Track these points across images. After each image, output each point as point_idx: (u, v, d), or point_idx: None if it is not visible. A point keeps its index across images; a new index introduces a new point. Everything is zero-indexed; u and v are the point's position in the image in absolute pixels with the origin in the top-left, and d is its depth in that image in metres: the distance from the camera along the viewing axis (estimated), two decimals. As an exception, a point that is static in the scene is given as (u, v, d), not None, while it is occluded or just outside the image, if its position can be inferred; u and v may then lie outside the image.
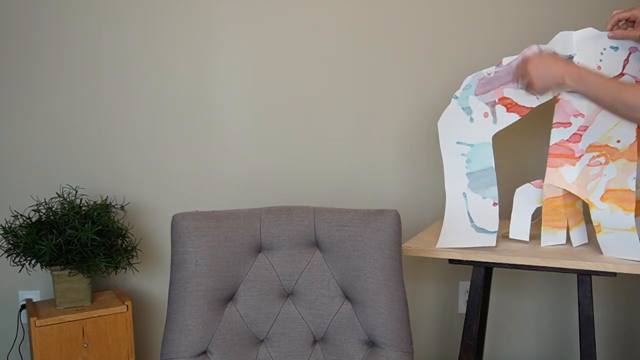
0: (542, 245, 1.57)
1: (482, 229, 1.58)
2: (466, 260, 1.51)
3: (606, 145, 1.50)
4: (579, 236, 1.59)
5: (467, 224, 1.60)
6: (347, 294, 1.38)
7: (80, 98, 1.94)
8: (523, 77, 1.43)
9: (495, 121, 1.59)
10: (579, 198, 1.58)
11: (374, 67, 2.07)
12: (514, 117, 1.58)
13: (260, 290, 1.37)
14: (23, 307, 1.92)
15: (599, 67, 1.51)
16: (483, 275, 1.55)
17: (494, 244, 1.54)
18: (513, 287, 2.22)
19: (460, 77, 2.09)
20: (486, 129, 1.60)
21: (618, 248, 1.44)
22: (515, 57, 1.57)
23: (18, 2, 1.86)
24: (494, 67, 1.59)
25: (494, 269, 2.17)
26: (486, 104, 1.59)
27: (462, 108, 1.61)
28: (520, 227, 1.61)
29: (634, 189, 1.45)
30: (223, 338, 1.32)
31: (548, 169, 1.56)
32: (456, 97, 1.62)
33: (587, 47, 1.52)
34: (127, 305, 1.80)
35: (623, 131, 1.48)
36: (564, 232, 1.58)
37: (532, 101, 1.56)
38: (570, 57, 1.53)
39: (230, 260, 1.35)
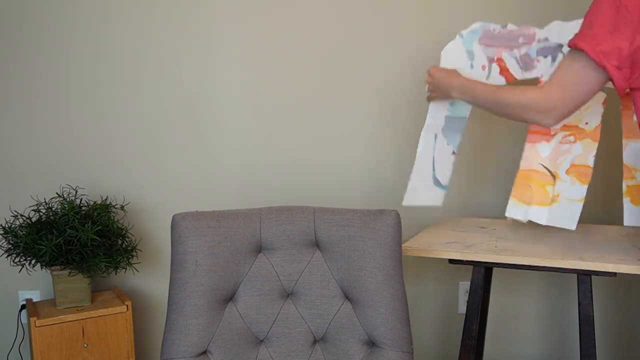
0: (506, 214, 1.69)
1: (437, 180, 1.75)
2: (466, 260, 1.51)
3: (576, 126, 1.63)
4: (538, 215, 1.66)
5: (430, 172, 1.75)
6: (347, 294, 1.38)
7: (80, 98, 1.94)
8: (428, 84, 1.64)
9: (487, 77, 1.67)
10: (550, 182, 1.67)
11: (375, 67, 2.07)
12: (501, 80, 1.67)
13: (260, 290, 1.37)
14: (23, 307, 1.92)
15: None
16: (483, 275, 1.55)
17: (439, 204, 1.78)
18: (513, 287, 2.22)
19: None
20: (479, 80, 1.67)
21: (559, 217, 1.62)
22: (517, 27, 1.65)
23: (21, 4, 1.86)
24: (500, 26, 1.66)
25: (494, 269, 2.17)
26: (487, 57, 1.66)
27: (466, 50, 1.67)
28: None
29: (591, 165, 1.61)
30: (223, 338, 1.32)
31: (526, 144, 1.69)
32: (462, 36, 1.67)
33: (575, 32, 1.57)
34: (127, 305, 1.80)
35: (591, 115, 1.61)
36: (526, 208, 1.67)
37: (518, 73, 1.66)
38: (560, 46, 1.60)
39: (230, 260, 1.35)
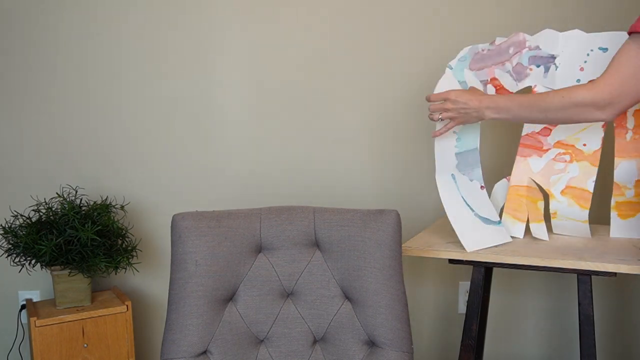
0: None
1: (486, 219, 1.60)
2: (466, 260, 1.51)
3: (573, 146, 1.59)
4: (539, 231, 1.63)
5: (470, 215, 1.60)
6: (347, 294, 1.38)
7: (80, 98, 1.94)
8: (444, 112, 1.50)
9: None
10: (540, 198, 1.64)
11: (376, 67, 2.07)
12: None
13: (260, 290, 1.37)
14: (23, 307, 1.92)
15: (582, 69, 1.54)
16: (483, 275, 1.55)
17: (509, 239, 1.58)
18: (513, 287, 2.22)
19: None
20: None
21: (570, 229, 1.62)
22: (506, 38, 1.59)
23: (18, 3, 1.86)
24: (487, 44, 1.61)
25: (494, 269, 2.17)
26: (480, 81, 1.61)
27: (458, 81, 1.61)
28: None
29: (591, 191, 1.56)
30: (223, 338, 1.32)
31: (517, 158, 1.64)
32: (451, 68, 1.62)
33: (572, 48, 1.54)
34: (127, 305, 1.80)
35: (590, 137, 1.56)
36: (523, 226, 1.64)
37: (513, 86, 1.60)
38: (553, 57, 1.55)
39: (230, 260, 1.35)
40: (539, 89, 1.59)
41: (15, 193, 1.92)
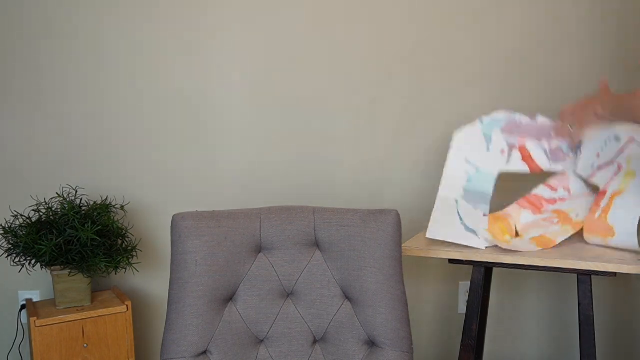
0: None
1: (472, 230, 1.58)
2: (466, 260, 1.51)
3: (566, 214, 1.64)
4: (521, 244, 1.61)
5: (457, 221, 1.61)
6: (347, 294, 1.38)
7: (80, 98, 1.94)
8: (571, 133, 1.57)
9: (508, 162, 1.66)
10: (512, 234, 1.66)
11: (376, 67, 2.07)
12: (524, 168, 1.67)
13: (260, 290, 1.37)
14: (23, 307, 1.92)
15: (598, 155, 1.62)
16: (483, 275, 1.55)
17: (482, 247, 1.54)
18: (513, 287, 2.22)
19: (464, 80, 2.09)
20: (497, 164, 1.67)
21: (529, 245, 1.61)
22: (547, 119, 1.65)
23: (21, 4, 1.86)
24: (528, 117, 1.66)
25: (494, 269, 2.17)
26: (508, 144, 1.66)
27: (484, 134, 1.66)
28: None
29: (557, 242, 1.55)
30: (223, 338, 1.32)
31: (514, 204, 1.69)
32: (482, 122, 1.67)
33: (594, 135, 1.63)
34: (127, 305, 1.80)
35: (582, 209, 1.62)
36: (507, 236, 1.65)
37: (545, 164, 1.67)
38: (579, 146, 1.64)
39: (230, 260, 1.35)
40: (570, 175, 1.67)
41: (15, 193, 1.92)
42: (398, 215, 1.37)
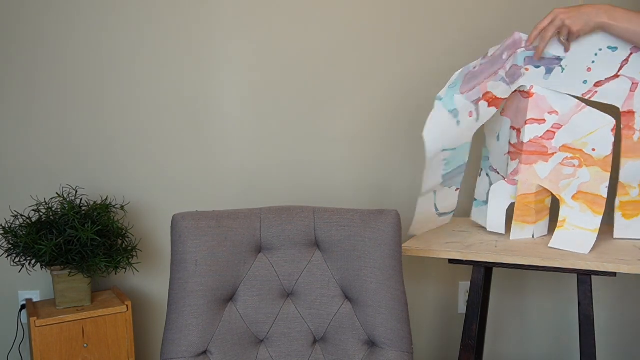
0: (511, 238, 1.65)
1: (443, 213, 1.74)
2: (466, 260, 1.51)
3: (581, 150, 1.54)
4: (540, 229, 1.67)
5: (433, 213, 1.71)
6: (347, 294, 1.38)
7: (80, 98, 1.94)
8: (560, 30, 1.45)
9: (477, 118, 1.55)
10: (549, 195, 1.63)
11: (376, 67, 2.07)
12: (492, 111, 1.57)
13: (260, 290, 1.37)
14: (23, 307, 1.92)
15: (589, 69, 1.51)
16: (483, 275, 1.55)
17: (448, 221, 1.79)
18: (513, 287, 2.22)
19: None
20: (470, 129, 1.56)
21: (568, 242, 1.52)
22: (499, 46, 1.54)
23: (20, 4, 1.86)
24: (480, 59, 1.55)
25: (494, 269, 2.17)
26: (472, 102, 1.52)
27: (449, 111, 1.50)
28: (496, 222, 1.69)
29: (605, 196, 1.52)
30: (223, 338, 1.32)
31: (522, 166, 1.59)
32: (440, 99, 1.50)
33: (580, 49, 1.51)
34: (127, 305, 1.80)
35: (600, 142, 1.51)
36: (532, 227, 1.65)
37: (506, 92, 1.55)
38: (559, 59, 1.52)
39: (230, 260, 1.35)
40: (538, 90, 1.55)
41: (15, 193, 1.92)
42: (398, 215, 1.37)
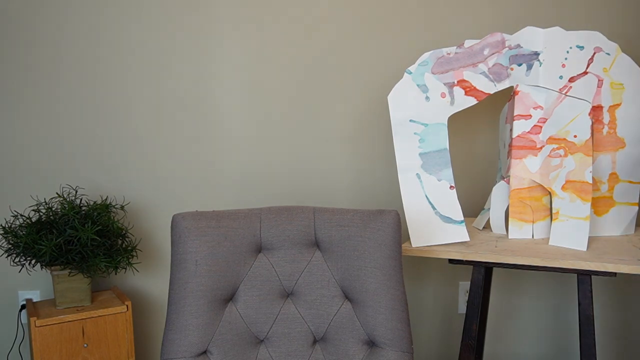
0: (509, 237, 1.66)
1: (447, 217, 1.60)
2: (466, 260, 1.51)
3: (564, 139, 1.59)
4: (541, 230, 1.67)
5: (430, 212, 1.61)
6: (347, 294, 1.38)
7: (80, 98, 1.94)
8: None
9: (452, 102, 1.61)
10: (546, 193, 1.65)
11: (376, 67, 2.07)
12: (471, 101, 1.62)
13: (260, 290, 1.37)
14: (23, 307, 1.92)
15: (564, 65, 1.59)
16: (483, 275, 1.55)
17: (467, 238, 1.58)
18: (513, 287, 2.22)
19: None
20: (443, 110, 1.61)
21: (566, 237, 1.56)
22: (478, 40, 1.61)
23: (20, 4, 1.86)
24: (455, 47, 1.62)
25: (494, 269, 2.17)
26: (444, 84, 1.60)
27: (417, 85, 1.59)
28: (497, 222, 1.71)
29: (590, 181, 1.56)
30: (223, 338, 1.32)
31: (513, 161, 1.64)
32: (410, 73, 1.60)
33: (554, 45, 1.59)
34: (127, 305, 1.80)
35: (579, 127, 1.57)
36: (530, 226, 1.65)
37: (490, 87, 1.61)
38: (537, 54, 1.58)
39: (230, 260, 1.35)
40: (522, 88, 1.61)
41: (15, 193, 1.92)
42: (398, 215, 1.37)
